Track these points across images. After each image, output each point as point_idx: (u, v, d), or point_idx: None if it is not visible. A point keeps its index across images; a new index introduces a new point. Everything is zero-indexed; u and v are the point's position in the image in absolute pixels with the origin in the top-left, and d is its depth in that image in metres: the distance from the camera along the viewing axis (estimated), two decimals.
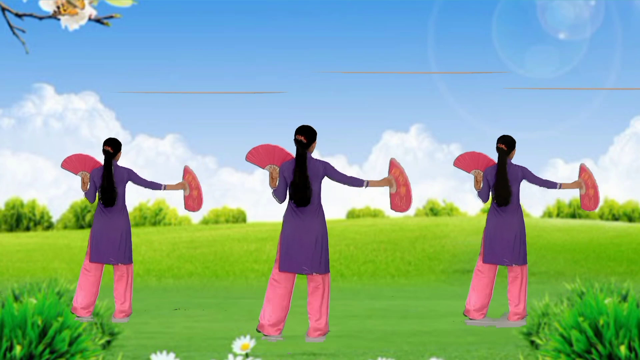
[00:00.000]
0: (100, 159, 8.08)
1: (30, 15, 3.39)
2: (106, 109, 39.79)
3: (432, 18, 34.16)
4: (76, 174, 8.11)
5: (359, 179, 6.91)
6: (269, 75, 40.28)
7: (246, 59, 41.00)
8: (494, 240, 7.82)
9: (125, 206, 8.08)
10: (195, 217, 38.81)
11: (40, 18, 3.37)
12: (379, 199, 42.76)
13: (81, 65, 41.82)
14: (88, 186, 8.05)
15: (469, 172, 7.92)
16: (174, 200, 40.63)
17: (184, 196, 8.37)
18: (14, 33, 3.41)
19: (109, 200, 7.93)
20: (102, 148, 8.01)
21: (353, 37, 41.21)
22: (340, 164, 45.49)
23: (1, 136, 40.64)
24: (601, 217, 39.76)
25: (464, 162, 7.93)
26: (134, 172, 8.08)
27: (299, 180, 6.70)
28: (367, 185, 6.95)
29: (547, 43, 28.84)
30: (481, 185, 7.85)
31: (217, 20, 41.69)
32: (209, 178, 42.08)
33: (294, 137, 6.78)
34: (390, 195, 7.11)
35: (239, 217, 39.80)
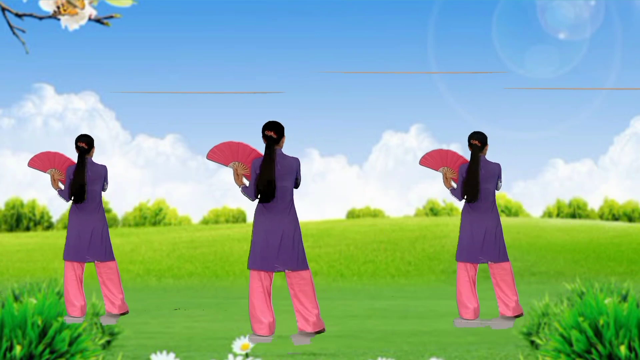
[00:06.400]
0: (72, 156, 7.97)
1: (30, 15, 3.39)
2: (106, 109, 39.75)
3: (432, 18, 34.16)
4: (45, 172, 7.99)
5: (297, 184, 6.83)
6: (269, 75, 40.30)
7: (246, 59, 41.03)
8: (469, 239, 7.68)
9: (101, 203, 7.92)
10: (195, 217, 38.79)
11: (40, 18, 3.37)
12: (379, 199, 42.70)
13: (81, 65, 41.86)
14: (59, 184, 7.96)
15: (436, 170, 7.76)
16: (174, 200, 40.55)
17: None
18: (14, 33, 3.41)
19: (79, 197, 7.82)
20: (75, 145, 7.92)
21: (353, 37, 41.24)
22: (340, 164, 45.50)
23: (1, 136, 40.65)
24: (601, 217, 39.75)
25: (431, 160, 7.75)
26: (107, 171, 7.98)
27: (265, 175, 6.62)
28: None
29: (547, 43, 28.83)
30: (451, 183, 7.71)
31: (217, 20, 41.72)
32: (209, 178, 42.08)
33: (262, 134, 6.70)
34: None
35: (239, 217, 39.79)
